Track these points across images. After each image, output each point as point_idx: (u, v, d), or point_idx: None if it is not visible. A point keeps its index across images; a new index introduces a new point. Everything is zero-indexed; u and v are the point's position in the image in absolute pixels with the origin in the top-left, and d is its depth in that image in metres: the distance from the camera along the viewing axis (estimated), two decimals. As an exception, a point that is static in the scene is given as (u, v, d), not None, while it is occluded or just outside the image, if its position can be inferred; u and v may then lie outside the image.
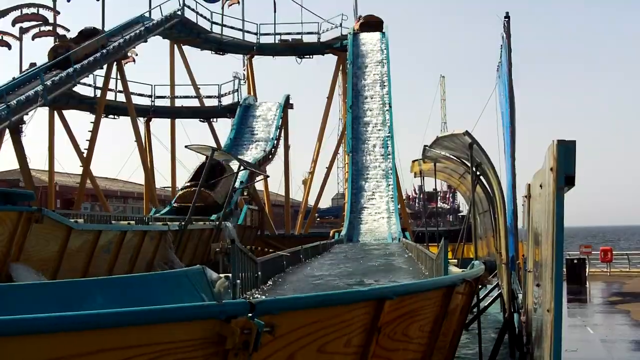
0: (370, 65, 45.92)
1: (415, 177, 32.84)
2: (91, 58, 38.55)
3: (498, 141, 21.02)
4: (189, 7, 48.11)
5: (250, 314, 3.82)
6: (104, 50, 39.20)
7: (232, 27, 51.52)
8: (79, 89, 42.97)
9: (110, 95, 45.04)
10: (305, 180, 57.91)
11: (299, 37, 51.60)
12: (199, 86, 51.57)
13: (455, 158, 19.90)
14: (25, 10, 43.27)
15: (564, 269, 27.02)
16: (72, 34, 42.79)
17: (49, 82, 34.50)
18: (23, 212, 16.79)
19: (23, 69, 39.42)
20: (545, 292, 7.07)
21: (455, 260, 22.18)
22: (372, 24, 49.57)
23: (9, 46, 42.71)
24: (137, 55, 47.45)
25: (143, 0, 45.86)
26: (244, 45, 51.87)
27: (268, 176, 43.77)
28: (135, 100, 46.54)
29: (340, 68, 50.59)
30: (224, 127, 50.76)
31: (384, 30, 48.39)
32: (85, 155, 42.13)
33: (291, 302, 4.57)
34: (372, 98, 43.93)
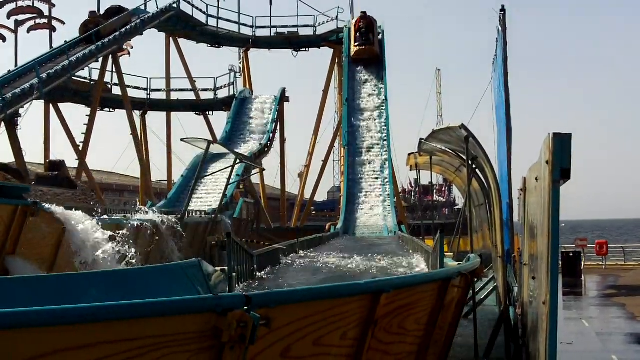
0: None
1: (411, 170, 32.91)
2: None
3: (494, 134, 21.06)
4: (184, -1, 48.08)
5: (246, 307, 3.82)
6: (99, 43, 39.16)
7: (228, 20, 51.47)
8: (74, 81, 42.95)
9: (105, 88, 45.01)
10: (301, 173, 57.85)
11: (295, 30, 51.54)
12: (194, 79, 51.56)
13: (451, 151, 19.91)
14: (20, 3, 43.19)
15: (560, 262, 27.07)
16: (67, 27, 42.87)
17: (44, 75, 34.42)
18: (19, 205, 16.75)
19: (18, 62, 39.36)
20: (541, 285, 7.08)
21: (451, 254, 22.25)
22: (362, 51, 45.38)
23: (4, 39, 42.62)
24: (132, 48, 47.42)
25: (138, -8, 45.72)
26: (239, 38, 51.79)
27: (264, 169, 43.75)
28: (131, 93, 46.50)
29: (337, 61, 50.56)
30: (220, 120, 50.95)
31: (379, 29, 48.28)
32: (81, 148, 42.04)
33: (287, 295, 4.58)
34: (368, 91, 43.94)
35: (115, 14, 42.39)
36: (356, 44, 45.78)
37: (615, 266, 34.94)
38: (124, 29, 41.22)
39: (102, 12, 43.57)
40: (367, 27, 46.23)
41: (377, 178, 39.20)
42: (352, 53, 45.77)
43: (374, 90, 43.57)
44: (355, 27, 46.47)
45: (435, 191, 73.67)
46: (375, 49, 45.77)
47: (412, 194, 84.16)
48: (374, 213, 36.83)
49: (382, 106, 42.53)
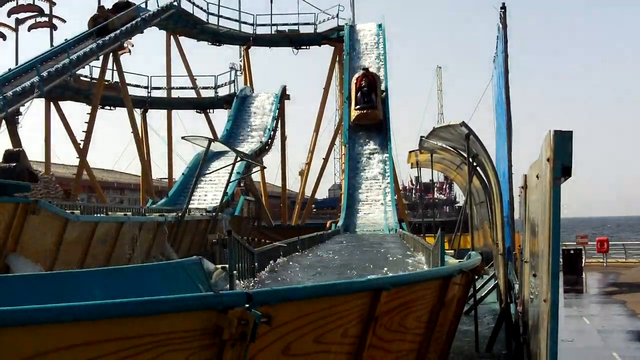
0: (367, 56, 45.86)
1: (412, 168, 32.89)
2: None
3: (494, 132, 21.07)
4: (185, -3, 48.06)
5: (247, 305, 3.82)
6: (100, 41, 39.18)
7: (228, 18, 51.48)
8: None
9: (106, 86, 45.01)
10: (301, 171, 57.85)
11: (295, 28, 51.53)
12: (195, 77, 51.54)
13: (451, 149, 19.90)
14: (21, 1, 43.17)
15: (561, 260, 27.07)
16: (68, 25, 42.92)
17: (45, 73, 34.42)
18: (19, 203, 16.77)
19: (19, 60, 39.35)
20: (541, 282, 7.08)
21: (452, 251, 22.25)
22: (364, 116, 40.41)
23: (4, 37, 42.61)
24: (133, 46, 47.43)
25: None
26: (240, 36, 51.78)
27: (265, 167, 43.76)
28: (132, 91, 46.47)
29: (337, 59, 50.55)
30: (221, 118, 50.90)
31: (380, 23, 48.31)
32: (81, 146, 42.05)
33: (288, 292, 4.58)
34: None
35: (124, 8, 43.00)
36: (357, 107, 40.43)
37: (616, 263, 34.92)
38: (124, 27, 41.25)
39: (102, 8, 43.69)
40: (370, 85, 41.02)
41: (377, 176, 39.15)
42: (352, 117, 40.66)
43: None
44: (357, 85, 41.07)
45: (436, 189, 73.59)
46: (378, 114, 40.53)
47: (413, 191, 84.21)
48: (375, 211, 36.79)
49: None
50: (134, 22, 42.24)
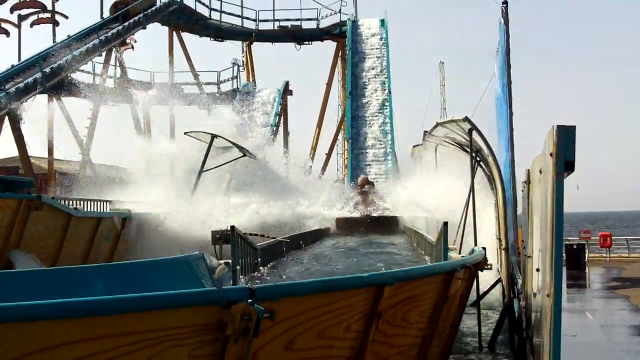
0: (370, 52, 45.86)
1: (415, 163, 32.83)
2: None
3: (496, 126, 21.02)
4: (187, -7, 47.98)
5: (250, 300, 3.82)
6: (102, 37, 39.19)
7: (230, 14, 51.37)
8: (77, 75, 43.02)
9: (109, 82, 45.00)
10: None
11: (298, 23, 51.45)
12: (197, 73, 51.48)
13: (455, 144, 19.87)
14: (23, -2, 43.14)
15: (564, 255, 27.05)
16: (71, 21, 42.94)
17: (47, 69, 34.44)
18: (22, 199, 16.79)
19: (21, 56, 39.36)
20: (544, 277, 7.07)
21: (455, 246, 22.23)
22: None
23: (7, 33, 42.57)
24: (135, 42, 47.37)
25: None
26: (242, 32, 51.71)
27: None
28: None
29: (340, 54, 50.49)
30: (223, 113, 50.57)
31: (383, 18, 48.26)
32: (84, 142, 42.04)
33: (291, 288, 4.57)
34: (371, 84, 43.88)
35: None
36: None
37: (619, 258, 34.88)
38: (127, 23, 41.26)
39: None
40: None
41: (381, 170, 39.14)
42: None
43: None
44: None
45: (439, 184, 73.38)
46: None
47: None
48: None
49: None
50: (136, 18, 42.25)
